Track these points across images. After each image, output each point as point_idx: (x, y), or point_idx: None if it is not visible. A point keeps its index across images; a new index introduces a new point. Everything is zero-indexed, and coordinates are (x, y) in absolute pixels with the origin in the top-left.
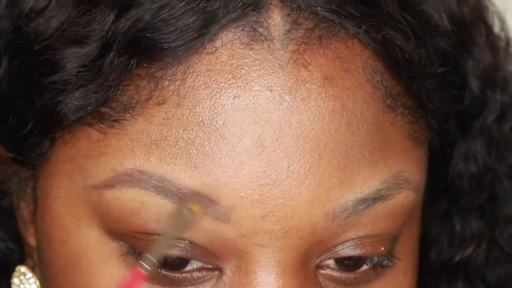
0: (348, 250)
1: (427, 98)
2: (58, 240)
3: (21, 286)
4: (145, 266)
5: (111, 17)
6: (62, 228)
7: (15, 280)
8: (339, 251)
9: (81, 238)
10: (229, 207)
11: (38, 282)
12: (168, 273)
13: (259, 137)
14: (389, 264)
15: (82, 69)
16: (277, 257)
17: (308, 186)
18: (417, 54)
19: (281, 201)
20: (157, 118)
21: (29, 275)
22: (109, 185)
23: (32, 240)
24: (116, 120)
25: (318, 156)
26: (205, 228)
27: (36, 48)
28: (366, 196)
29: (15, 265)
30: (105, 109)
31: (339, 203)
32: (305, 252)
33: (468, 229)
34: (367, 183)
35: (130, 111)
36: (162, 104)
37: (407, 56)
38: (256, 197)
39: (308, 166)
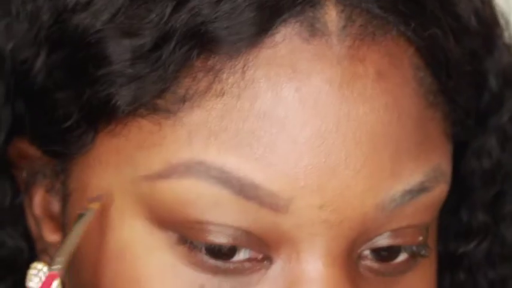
0: (385, 240)
1: (458, 95)
2: (97, 232)
3: (40, 283)
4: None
5: (169, 9)
6: (108, 220)
7: (32, 277)
8: (377, 241)
9: (125, 230)
10: (288, 198)
11: (58, 279)
12: (217, 262)
13: (319, 129)
14: (427, 254)
15: (137, 61)
16: (328, 247)
17: (363, 177)
18: (455, 52)
19: (338, 191)
20: (216, 110)
21: (46, 269)
22: (164, 175)
23: (50, 236)
24: (171, 112)
25: (373, 148)
26: (262, 219)
27: (86, 41)
28: (411, 188)
29: (23, 264)
30: (160, 101)
31: (389, 194)
32: (352, 243)
33: (474, 223)
34: (413, 176)
35: (188, 103)
36: (222, 96)
37: (448, 54)
38: (315, 187)
39: (364, 157)
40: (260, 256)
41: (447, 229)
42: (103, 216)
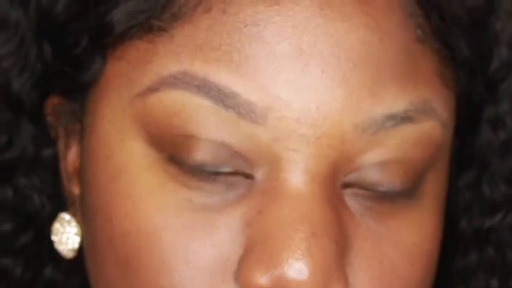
0: (373, 173)
1: (455, 43)
2: (102, 158)
3: (62, 230)
4: None
5: None
6: (107, 145)
7: (56, 226)
8: (364, 173)
9: (124, 152)
10: (266, 108)
11: (78, 227)
12: (198, 172)
13: (297, 41)
14: (414, 194)
15: None
16: (308, 164)
17: (341, 94)
18: None
19: (314, 104)
20: (203, 25)
21: (70, 219)
22: (153, 88)
23: (75, 189)
24: (164, 29)
25: (351, 65)
26: (241, 131)
27: None
28: (394, 113)
29: (44, 219)
30: (154, 20)
31: (368, 115)
32: (334, 164)
33: (498, 195)
34: (396, 101)
35: (179, 20)
36: (209, 11)
37: None
38: (291, 99)
39: (342, 74)
40: (240, 170)
41: (470, 205)
42: (107, 140)
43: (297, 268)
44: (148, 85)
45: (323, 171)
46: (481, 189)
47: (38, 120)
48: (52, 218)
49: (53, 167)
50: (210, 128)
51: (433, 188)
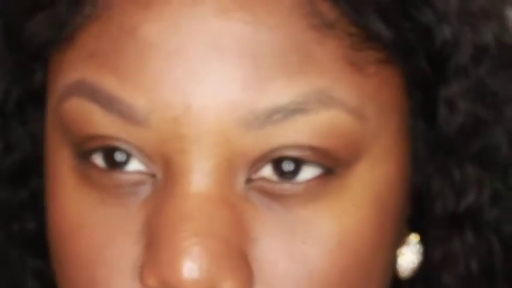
0: (277, 159)
1: (373, 28)
2: (45, 161)
3: None
4: None
5: None
6: (46, 150)
7: None
8: (265, 167)
9: (55, 155)
10: (145, 111)
11: None
12: (108, 170)
13: (170, 42)
14: (328, 185)
15: None
16: (197, 164)
17: (216, 91)
18: None
19: (191, 104)
20: (94, 33)
21: None
22: (62, 98)
23: None
24: (69, 39)
25: (225, 62)
26: (131, 134)
27: None
28: (280, 106)
29: None
30: (62, 31)
31: (248, 110)
32: (227, 161)
33: (466, 178)
34: (280, 94)
35: (79, 30)
36: (99, 19)
37: None
38: (166, 101)
39: (215, 71)
40: (146, 170)
41: (442, 189)
42: (46, 145)
43: (177, 268)
44: (58, 95)
45: (216, 170)
46: (450, 172)
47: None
48: None
49: None
50: (106, 130)
51: (364, 180)
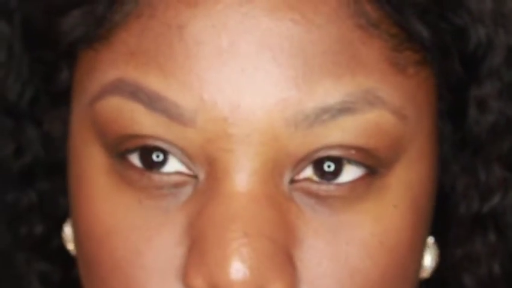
0: (323, 159)
1: (414, 29)
2: (71, 161)
3: (67, 230)
4: None
5: None
6: (73, 150)
7: (65, 227)
8: (313, 160)
9: (85, 156)
10: (193, 111)
11: None
12: (151, 175)
13: (217, 41)
14: (371, 185)
15: None
16: (243, 163)
17: (266, 91)
18: None
19: (240, 103)
20: (135, 30)
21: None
22: (98, 96)
23: None
24: (105, 37)
25: (275, 61)
26: (175, 134)
27: None
28: (329, 106)
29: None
30: (98, 29)
31: (298, 109)
32: (273, 161)
33: (493, 179)
34: (330, 94)
35: (116, 28)
36: (140, 17)
37: None
38: (216, 101)
39: (265, 70)
40: (187, 171)
41: (468, 190)
42: (73, 145)
43: (231, 270)
44: (94, 93)
45: (261, 169)
46: (477, 172)
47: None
48: None
49: None
50: (147, 129)
51: (402, 180)
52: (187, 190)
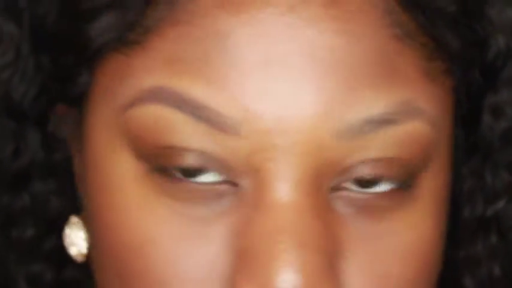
0: (363, 170)
1: (442, 38)
2: (94, 168)
3: (71, 233)
4: None
5: None
6: (98, 157)
7: (66, 230)
8: (350, 176)
9: (113, 163)
10: (237, 121)
11: (85, 231)
12: (184, 180)
13: (265, 51)
14: (406, 194)
15: None
16: (288, 173)
17: (310, 102)
18: None
19: (284, 114)
20: (171, 37)
21: (79, 223)
22: (131, 103)
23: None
24: (138, 43)
25: (319, 73)
26: (218, 143)
27: None
28: (371, 118)
29: (64, 220)
30: (129, 33)
31: (342, 121)
32: (315, 171)
33: (499, 183)
34: (372, 105)
35: (150, 33)
36: (177, 24)
37: None
38: (261, 111)
39: (310, 81)
40: (227, 180)
41: (473, 193)
42: (98, 151)
43: (284, 281)
44: (128, 99)
45: (304, 179)
46: (484, 176)
47: (46, 127)
48: None
49: (70, 169)
50: (188, 139)
51: (431, 188)
52: (228, 199)
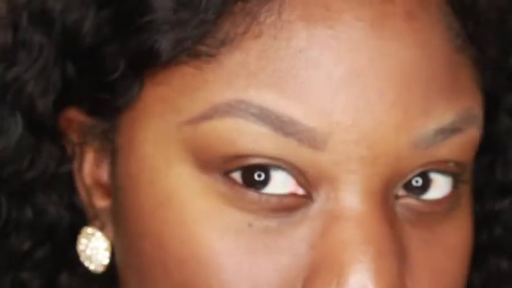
0: (421, 184)
1: (486, 45)
2: (145, 182)
3: (90, 245)
4: None
5: None
6: (151, 170)
7: (82, 241)
8: (413, 184)
9: (171, 177)
10: (325, 134)
11: (107, 242)
12: (251, 190)
13: (353, 64)
14: (455, 197)
15: (180, 8)
16: (365, 184)
17: (396, 113)
18: (481, 1)
19: (372, 126)
20: (254, 51)
21: (98, 234)
22: (206, 116)
23: (100, 202)
24: (212, 56)
25: (405, 85)
26: (301, 156)
27: None
28: (444, 127)
29: (62, 232)
30: (201, 46)
31: (422, 131)
32: (389, 181)
33: (509, 180)
34: (445, 115)
35: (227, 46)
36: (259, 37)
37: (473, 2)
38: (350, 122)
39: (397, 93)
40: (301, 191)
41: (483, 189)
42: (151, 165)
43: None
44: (200, 112)
45: (379, 190)
46: (494, 173)
47: (58, 137)
48: (72, 228)
49: (69, 180)
50: (271, 152)
51: (468, 188)
52: (299, 211)
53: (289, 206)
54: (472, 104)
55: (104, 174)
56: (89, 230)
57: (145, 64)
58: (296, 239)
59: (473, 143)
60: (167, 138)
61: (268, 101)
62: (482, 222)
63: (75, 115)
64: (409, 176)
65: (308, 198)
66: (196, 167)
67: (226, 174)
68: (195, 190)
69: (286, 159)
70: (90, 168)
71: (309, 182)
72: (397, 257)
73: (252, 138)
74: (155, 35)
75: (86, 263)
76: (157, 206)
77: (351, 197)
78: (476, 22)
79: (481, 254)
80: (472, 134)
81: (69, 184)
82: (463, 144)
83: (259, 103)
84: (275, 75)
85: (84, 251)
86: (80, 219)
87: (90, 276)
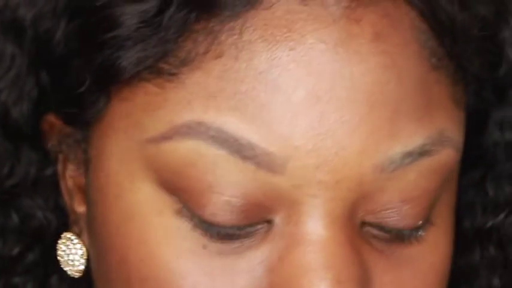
0: (391, 213)
1: (467, 61)
2: (112, 196)
3: (68, 251)
4: None
5: None
6: (116, 185)
7: (61, 246)
8: (382, 215)
9: (135, 193)
10: (284, 158)
11: (84, 248)
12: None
13: (313, 88)
14: (429, 219)
15: (142, 25)
16: (327, 208)
17: (359, 137)
18: (460, 17)
19: (334, 151)
20: (214, 71)
21: (76, 240)
22: (167, 137)
23: (79, 208)
24: (173, 74)
25: (369, 108)
26: (259, 181)
27: (97, 5)
28: (412, 150)
29: (51, 235)
30: (163, 64)
31: (387, 155)
32: (352, 204)
33: (501, 195)
34: (413, 137)
35: (188, 65)
36: (220, 57)
37: (451, 18)
38: (310, 147)
39: (359, 117)
40: (261, 220)
41: (473, 204)
42: (116, 180)
43: None
44: (161, 132)
45: (342, 214)
46: (485, 188)
47: (38, 143)
48: (60, 230)
49: (55, 182)
50: (228, 179)
51: (446, 208)
52: (258, 234)
53: (248, 233)
54: (447, 125)
55: (83, 180)
56: (68, 234)
57: (110, 80)
58: (255, 262)
59: (446, 165)
60: (131, 155)
61: (227, 124)
62: (473, 240)
63: (54, 120)
64: (377, 202)
65: (268, 223)
66: (157, 185)
67: (189, 203)
68: (155, 208)
69: (245, 185)
70: (72, 172)
71: (268, 208)
72: (358, 282)
73: (211, 160)
74: (118, 51)
75: (65, 267)
76: (122, 221)
77: (313, 221)
78: (454, 38)
79: (473, 272)
80: (445, 156)
81: (54, 187)
82: (433, 167)
83: (219, 126)
84: (235, 97)
85: (62, 255)
86: (67, 221)
87: (78, 279)
